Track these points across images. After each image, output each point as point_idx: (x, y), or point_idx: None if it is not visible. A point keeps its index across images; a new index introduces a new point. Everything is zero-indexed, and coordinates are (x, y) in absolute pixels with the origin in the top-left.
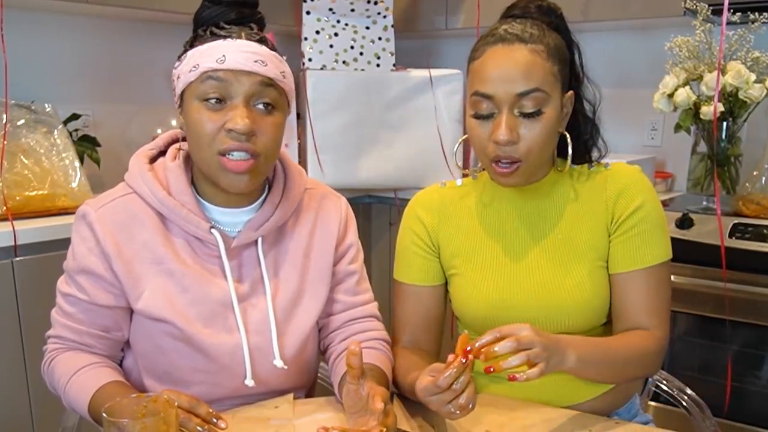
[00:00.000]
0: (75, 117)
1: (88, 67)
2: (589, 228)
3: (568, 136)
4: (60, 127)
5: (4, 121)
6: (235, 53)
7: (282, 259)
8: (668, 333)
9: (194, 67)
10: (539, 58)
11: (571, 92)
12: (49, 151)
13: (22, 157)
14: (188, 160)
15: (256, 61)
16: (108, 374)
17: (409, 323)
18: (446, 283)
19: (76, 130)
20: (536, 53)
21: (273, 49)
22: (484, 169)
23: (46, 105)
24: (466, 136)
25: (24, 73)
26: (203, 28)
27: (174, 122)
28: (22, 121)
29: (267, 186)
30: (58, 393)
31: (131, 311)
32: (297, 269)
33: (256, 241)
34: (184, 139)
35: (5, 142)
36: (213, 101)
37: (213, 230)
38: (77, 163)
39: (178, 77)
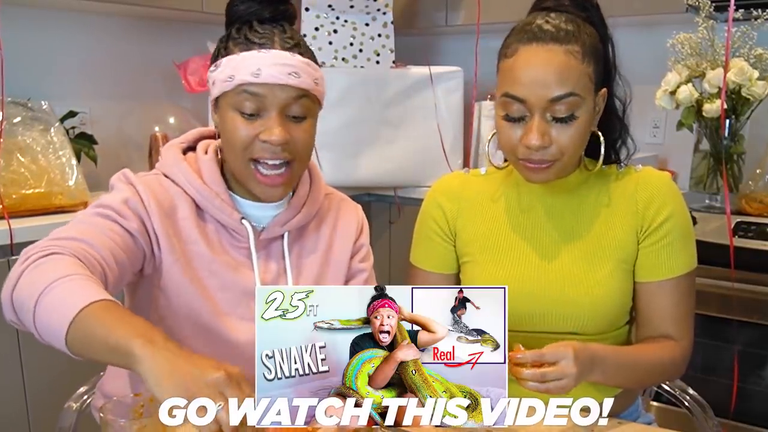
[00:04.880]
0: (72, 114)
1: (84, 64)
2: (617, 229)
3: (601, 135)
4: (56, 124)
5: (0, 118)
6: (269, 67)
7: (303, 255)
8: (692, 340)
9: (230, 78)
10: (574, 60)
11: (604, 90)
12: (45, 149)
13: (18, 155)
14: (218, 155)
15: (290, 74)
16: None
17: None
18: (458, 273)
19: (73, 127)
20: (571, 54)
21: (307, 50)
22: (506, 161)
23: (43, 102)
24: (495, 132)
25: (20, 70)
26: (237, 28)
27: (171, 120)
28: (18, 119)
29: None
30: (30, 297)
31: (142, 283)
32: (317, 266)
33: (281, 236)
34: (215, 137)
35: (1, 140)
36: (248, 113)
37: (243, 221)
38: (74, 161)
39: (214, 83)
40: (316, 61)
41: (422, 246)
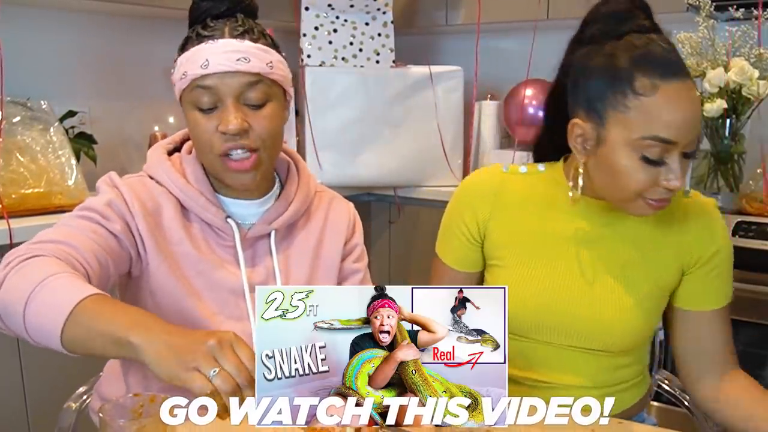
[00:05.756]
0: (71, 114)
1: (84, 63)
2: (660, 253)
3: None
4: (56, 124)
5: (0, 118)
6: (216, 55)
7: (292, 254)
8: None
9: (183, 75)
10: (697, 92)
11: None
12: (45, 148)
13: (17, 154)
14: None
15: (238, 60)
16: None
17: None
18: (483, 271)
19: (73, 127)
20: (696, 86)
21: (261, 35)
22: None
23: (42, 102)
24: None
25: (20, 69)
26: (191, 29)
27: (171, 119)
28: (17, 119)
29: (279, 182)
30: (18, 301)
31: (129, 279)
32: (307, 264)
33: (268, 234)
34: None
35: (1, 140)
36: (205, 108)
37: (229, 220)
38: (73, 161)
39: (174, 84)
40: (275, 46)
41: (447, 240)
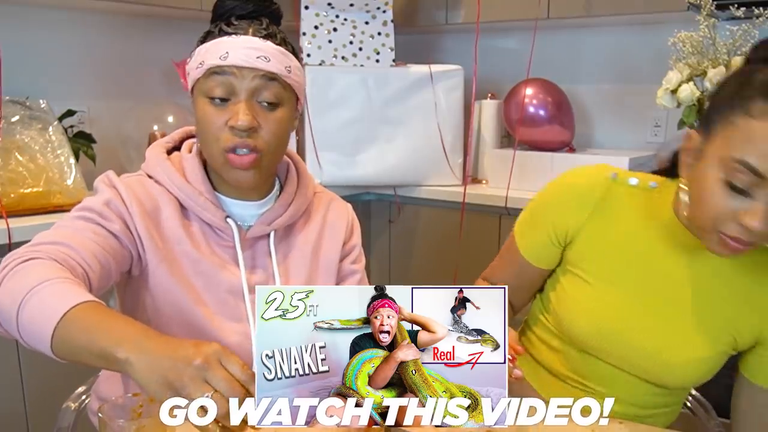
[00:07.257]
0: (70, 113)
1: (83, 62)
2: (745, 312)
3: None
4: (55, 123)
5: None
6: (237, 49)
7: (291, 255)
8: None
9: (200, 63)
10: None
11: None
12: (44, 147)
13: (16, 153)
14: (202, 153)
15: (258, 57)
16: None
17: (500, 277)
18: (556, 268)
19: (72, 126)
20: None
21: (283, 41)
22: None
23: (41, 101)
24: (685, 186)
25: (18, 68)
26: (215, 24)
27: (170, 119)
28: (16, 118)
29: (279, 183)
30: (12, 305)
31: (128, 279)
32: (306, 265)
33: (268, 235)
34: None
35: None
36: (218, 99)
37: (228, 219)
38: (72, 160)
39: (188, 73)
40: (295, 54)
41: (529, 230)
